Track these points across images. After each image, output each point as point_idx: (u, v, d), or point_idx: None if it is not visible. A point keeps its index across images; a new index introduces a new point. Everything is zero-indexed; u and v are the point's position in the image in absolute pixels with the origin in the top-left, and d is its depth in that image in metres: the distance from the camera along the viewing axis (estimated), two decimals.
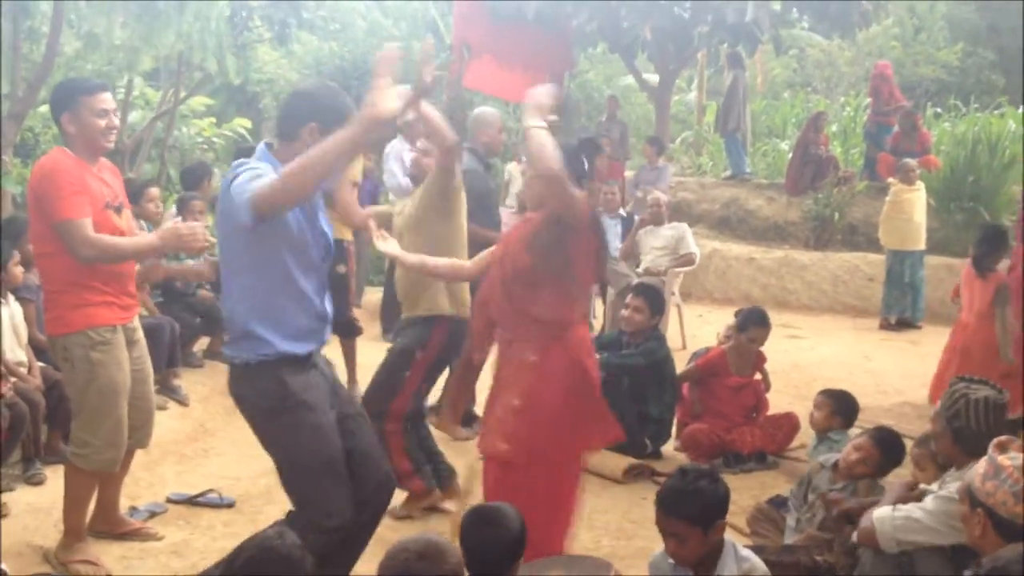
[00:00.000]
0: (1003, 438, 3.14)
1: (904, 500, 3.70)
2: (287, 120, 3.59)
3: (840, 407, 5.45)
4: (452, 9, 12.80)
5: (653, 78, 14.78)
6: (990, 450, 3.08)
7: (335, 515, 3.56)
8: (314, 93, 3.64)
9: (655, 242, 8.97)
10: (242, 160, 3.57)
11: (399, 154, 7.34)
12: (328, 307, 3.77)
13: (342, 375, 7.32)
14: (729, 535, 3.41)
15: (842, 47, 19.34)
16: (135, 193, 6.46)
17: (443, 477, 5.24)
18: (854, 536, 3.80)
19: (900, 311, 10.79)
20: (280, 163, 3.45)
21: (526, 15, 10.79)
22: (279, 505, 4.23)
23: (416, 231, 4.97)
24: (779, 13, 12.91)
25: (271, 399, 3.54)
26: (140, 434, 4.59)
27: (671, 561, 3.37)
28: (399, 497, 4.98)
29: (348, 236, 7.23)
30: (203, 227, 4.29)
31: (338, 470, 3.60)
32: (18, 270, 5.70)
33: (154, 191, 7.21)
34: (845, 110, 16.69)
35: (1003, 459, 3.00)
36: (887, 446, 4.50)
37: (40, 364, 5.60)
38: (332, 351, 7.35)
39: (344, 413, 3.74)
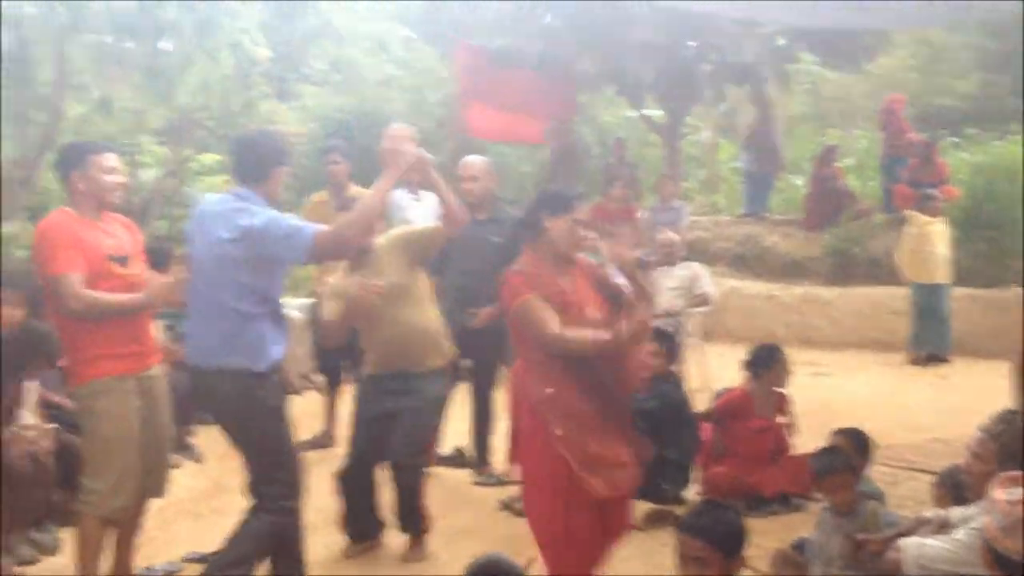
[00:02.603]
0: (1010, 474, 3.12)
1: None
2: (255, 164, 4.23)
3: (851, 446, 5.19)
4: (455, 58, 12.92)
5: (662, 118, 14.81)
6: (993, 486, 3.08)
7: (296, 495, 4.38)
8: (270, 139, 4.41)
9: (669, 282, 8.90)
10: (237, 206, 4.14)
11: (400, 203, 7.39)
12: None
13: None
14: None
15: (856, 80, 19.31)
16: (165, 257, 6.53)
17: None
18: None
19: (931, 346, 10.64)
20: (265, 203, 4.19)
21: (528, 61, 10.85)
22: None
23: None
24: (784, 49, 12.91)
25: (279, 398, 4.31)
26: (153, 481, 4.61)
27: None
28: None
29: None
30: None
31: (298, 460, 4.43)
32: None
33: None
34: (860, 143, 16.62)
35: (998, 493, 3.02)
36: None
37: (51, 426, 5.55)
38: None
39: None
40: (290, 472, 4.37)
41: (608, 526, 4.19)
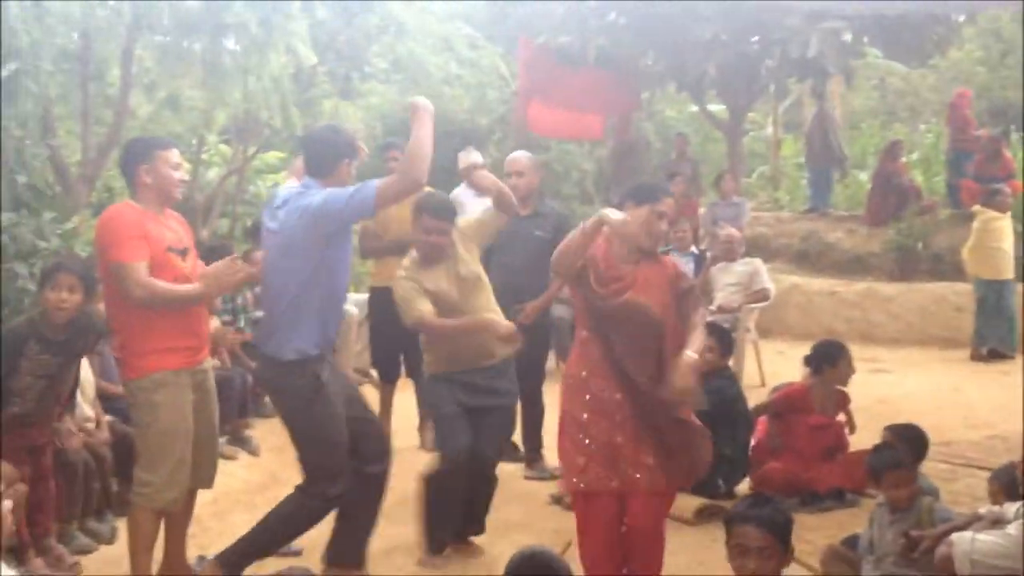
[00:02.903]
0: None
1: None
2: (323, 160, 4.39)
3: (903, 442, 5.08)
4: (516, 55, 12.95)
5: (724, 113, 14.72)
6: None
7: (338, 484, 4.45)
8: (337, 134, 4.52)
9: (728, 278, 8.85)
10: (299, 192, 4.36)
11: (462, 200, 7.39)
12: None
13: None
14: (802, 573, 3.36)
15: (924, 74, 18.98)
16: (226, 255, 6.58)
17: None
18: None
19: (995, 342, 10.45)
20: None
21: (590, 57, 10.85)
22: None
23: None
24: (849, 44, 12.72)
25: (310, 390, 4.37)
26: (203, 473, 4.67)
27: None
28: None
29: None
30: (240, 262, 4.48)
31: (344, 450, 4.47)
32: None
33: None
34: (926, 138, 16.35)
35: None
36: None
37: (108, 418, 5.68)
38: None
39: (350, 396, 4.66)
40: (331, 462, 4.46)
41: (631, 525, 4.18)
